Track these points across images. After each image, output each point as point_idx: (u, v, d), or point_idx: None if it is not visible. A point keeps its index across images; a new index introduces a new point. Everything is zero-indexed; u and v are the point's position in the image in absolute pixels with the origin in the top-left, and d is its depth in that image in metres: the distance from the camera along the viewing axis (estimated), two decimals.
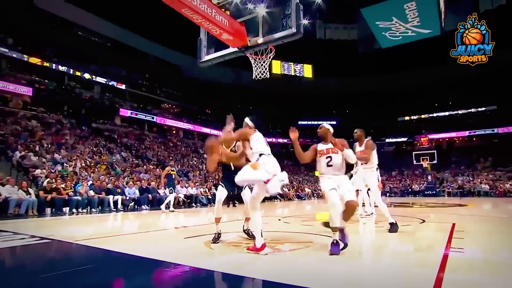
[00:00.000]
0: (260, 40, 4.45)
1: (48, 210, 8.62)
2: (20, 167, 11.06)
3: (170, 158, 20.96)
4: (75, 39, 27.17)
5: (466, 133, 35.21)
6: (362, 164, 5.10)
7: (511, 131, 31.53)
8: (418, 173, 30.41)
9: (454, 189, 23.95)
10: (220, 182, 3.86)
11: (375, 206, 6.24)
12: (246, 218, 3.95)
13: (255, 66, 4.89)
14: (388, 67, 35.68)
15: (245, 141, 3.27)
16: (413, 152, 28.65)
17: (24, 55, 22.02)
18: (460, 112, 36.35)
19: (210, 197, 13.67)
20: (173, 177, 9.93)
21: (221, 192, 3.72)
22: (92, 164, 13.60)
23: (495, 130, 32.88)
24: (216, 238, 3.67)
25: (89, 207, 9.60)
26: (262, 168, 2.97)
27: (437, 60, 30.01)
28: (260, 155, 3.13)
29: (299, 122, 42.34)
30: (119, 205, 10.16)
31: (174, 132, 31.62)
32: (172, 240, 4.41)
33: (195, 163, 22.90)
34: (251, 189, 3.52)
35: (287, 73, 38.81)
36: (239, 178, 3.05)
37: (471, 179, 26.14)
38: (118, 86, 28.28)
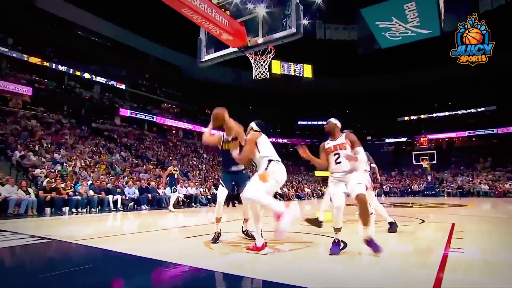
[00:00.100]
0: (260, 40, 4.46)
1: (48, 210, 8.61)
2: (19, 167, 11.05)
3: (170, 158, 20.97)
4: (75, 39, 27.16)
5: (466, 133, 35.26)
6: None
7: (511, 132, 31.57)
8: (417, 173, 30.42)
9: (453, 189, 23.96)
10: (220, 181, 3.86)
11: None
12: (244, 219, 3.95)
13: (255, 66, 4.89)
14: (388, 67, 35.70)
15: (254, 146, 3.14)
16: (413, 152, 28.66)
17: (24, 55, 22.03)
18: (459, 112, 36.39)
19: (209, 197, 13.66)
20: (176, 177, 9.93)
21: (222, 193, 3.72)
22: (91, 164, 13.60)
23: (495, 131, 32.93)
24: (216, 238, 3.67)
25: (88, 207, 9.58)
26: (272, 178, 2.90)
27: (436, 61, 30.06)
28: (270, 161, 3.02)
29: (299, 122, 42.41)
30: (119, 205, 10.15)
31: (174, 132, 31.63)
32: (171, 240, 4.41)
33: (195, 163, 22.91)
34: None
35: (287, 73, 38.81)
36: (250, 195, 2.84)
37: (470, 179, 26.17)
38: (118, 86, 28.29)
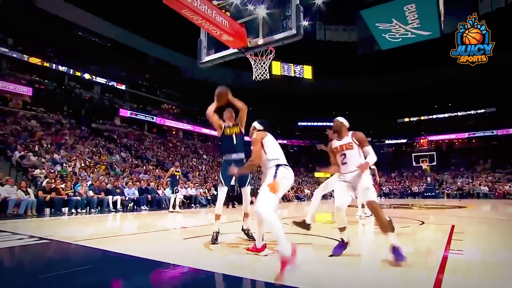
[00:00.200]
0: (260, 41, 4.46)
1: (47, 210, 8.58)
2: (19, 167, 11.05)
3: (170, 158, 20.96)
4: (75, 40, 27.19)
5: (466, 135, 35.29)
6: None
7: (510, 133, 31.62)
8: (417, 175, 30.42)
9: (453, 191, 23.95)
10: (220, 177, 3.84)
11: None
12: (245, 213, 3.93)
13: (255, 67, 4.89)
14: (388, 68, 35.78)
15: (261, 146, 2.94)
16: (413, 154, 28.65)
17: (24, 55, 22.04)
18: (459, 114, 36.45)
19: (209, 198, 13.65)
20: (177, 178, 9.93)
21: (223, 191, 3.76)
22: (91, 165, 13.60)
23: (495, 132, 32.99)
24: (215, 238, 3.65)
25: (88, 207, 9.57)
26: (282, 187, 2.73)
27: (436, 62, 30.11)
28: (277, 166, 2.83)
29: (299, 123, 42.43)
30: (118, 206, 10.14)
31: (173, 132, 31.61)
32: (171, 241, 4.41)
33: (195, 163, 22.90)
34: (252, 189, 3.52)
35: (287, 74, 38.84)
36: (262, 211, 2.42)
37: (470, 181, 26.17)
38: (118, 87, 28.30)
